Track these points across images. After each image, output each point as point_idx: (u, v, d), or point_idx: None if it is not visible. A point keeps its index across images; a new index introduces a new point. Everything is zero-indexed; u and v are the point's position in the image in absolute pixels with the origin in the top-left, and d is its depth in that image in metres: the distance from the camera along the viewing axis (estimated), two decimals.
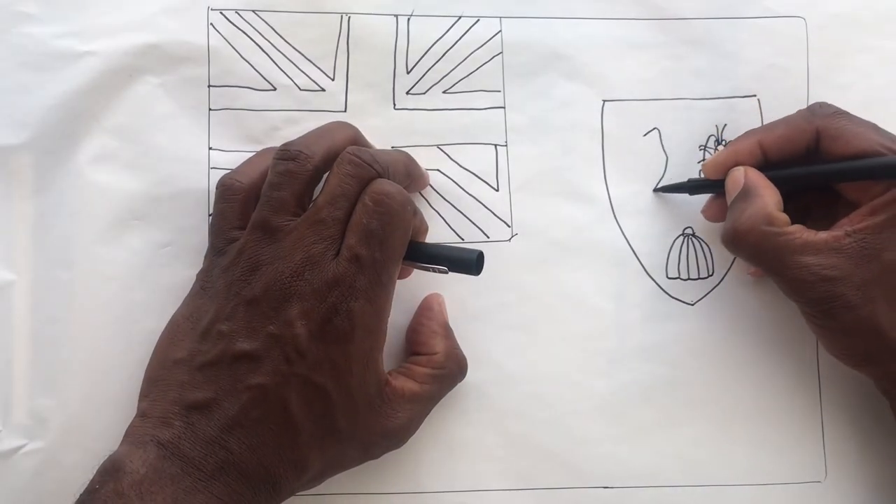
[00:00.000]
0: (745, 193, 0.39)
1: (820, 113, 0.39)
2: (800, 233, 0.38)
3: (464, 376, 0.41)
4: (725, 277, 0.43)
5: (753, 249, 0.38)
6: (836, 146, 0.38)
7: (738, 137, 0.42)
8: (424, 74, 0.43)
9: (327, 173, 0.36)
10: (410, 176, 0.40)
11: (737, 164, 0.40)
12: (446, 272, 0.36)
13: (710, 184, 0.42)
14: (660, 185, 0.43)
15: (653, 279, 0.43)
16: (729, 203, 0.40)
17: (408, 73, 0.43)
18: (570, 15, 0.43)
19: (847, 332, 0.38)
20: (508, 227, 0.43)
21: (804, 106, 0.41)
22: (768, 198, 0.39)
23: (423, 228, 0.38)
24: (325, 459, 0.35)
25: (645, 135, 0.44)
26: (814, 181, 0.40)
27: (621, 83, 0.44)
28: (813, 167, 0.39)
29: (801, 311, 0.39)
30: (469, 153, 0.43)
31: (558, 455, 0.42)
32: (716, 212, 0.42)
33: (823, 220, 0.40)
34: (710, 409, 0.42)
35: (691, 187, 0.42)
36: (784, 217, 0.38)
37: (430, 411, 0.39)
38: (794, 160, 0.40)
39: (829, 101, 0.40)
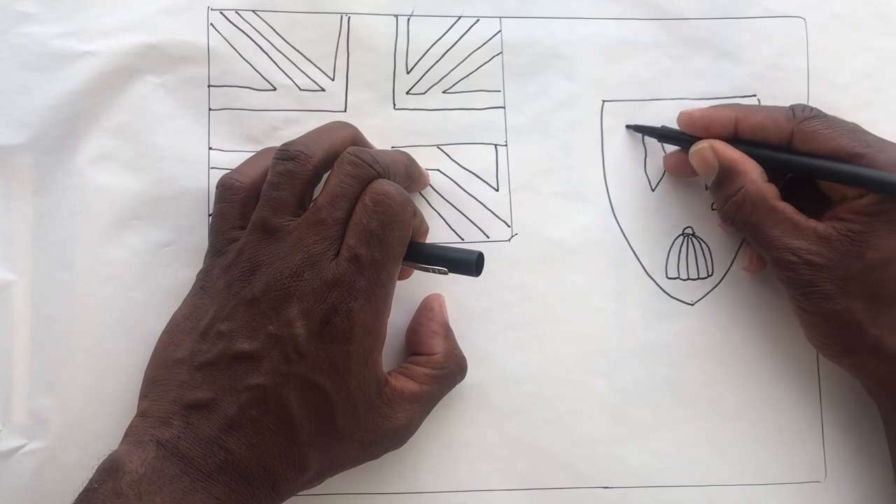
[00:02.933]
0: (730, 172, 0.39)
1: (799, 116, 0.39)
2: (791, 213, 0.39)
3: (464, 376, 0.41)
4: (725, 277, 0.43)
5: (747, 224, 0.39)
6: (809, 148, 0.39)
7: (720, 105, 0.42)
8: (424, 74, 0.43)
9: (327, 173, 0.36)
10: (410, 176, 0.40)
11: (707, 130, 0.41)
12: (446, 273, 0.36)
13: (678, 136, 0.42)
14: (633, 124, 0.43)
15: (652, 279, 0.43)
16: (710, 183, 0.40)
17: (408, 73, 0.43)
18: (569, 15, 0.43)
19: (826, 320, 0.38)
20: (508, 227, 0.43)
21: None
22: (753, 173, 0.39)
23: (423, 229, 0.38)
24: (324, 459, 0.35)
25: (645, 135, 0.44)
26: (784, 169, 0.40)
27: (621, 83, 0.44)
28: (789, 156, 0.39)
29: (787, 293, 0.40)
30: (469, 153, 0.43)
31: (558, 455, 0.42)
32: (675, 164, 0.43)
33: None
34: (710, 409, 0.42)
35: (661, 134, 0.43)
36: (774, 189, 0.39)
37: (429, 411, 0.39)
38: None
39: (829, 101, 0.40)
